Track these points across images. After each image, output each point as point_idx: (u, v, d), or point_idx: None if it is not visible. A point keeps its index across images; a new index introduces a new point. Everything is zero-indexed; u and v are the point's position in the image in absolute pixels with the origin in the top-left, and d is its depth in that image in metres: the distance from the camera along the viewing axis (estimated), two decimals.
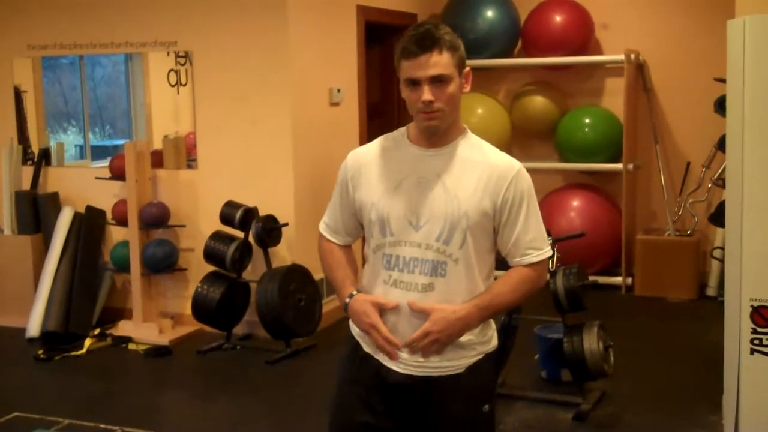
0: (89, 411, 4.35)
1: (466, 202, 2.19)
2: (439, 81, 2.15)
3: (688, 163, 6.44)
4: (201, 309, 5.29)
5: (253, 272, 5.42)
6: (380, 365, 2.27)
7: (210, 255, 5.33)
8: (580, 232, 4.61)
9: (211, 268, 5.37)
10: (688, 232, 6.31)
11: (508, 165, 2.23)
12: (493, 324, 2.33)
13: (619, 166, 6.33)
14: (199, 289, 5.29)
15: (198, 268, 5.52)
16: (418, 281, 2.20)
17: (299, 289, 5.19)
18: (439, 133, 2.22)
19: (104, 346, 5.40)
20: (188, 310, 5.45)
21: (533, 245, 2.24)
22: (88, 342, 5.34)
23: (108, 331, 5.54)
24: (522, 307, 4.36)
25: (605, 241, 6.29)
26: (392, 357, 2.22)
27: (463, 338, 2.22)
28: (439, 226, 2.19)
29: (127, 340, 5.44)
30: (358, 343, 2.33)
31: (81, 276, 5.66)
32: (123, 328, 5.56)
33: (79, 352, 5.26)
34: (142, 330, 5.50)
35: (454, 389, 2.24)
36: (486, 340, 2.29)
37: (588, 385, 4.26)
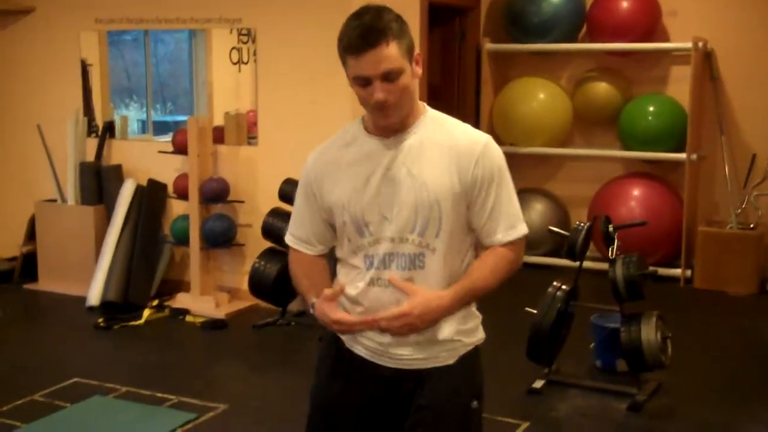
0: (146, 380, 4.44)
1: (435, 188, 2.08)
2: (390, 76, 2.01)
3: (754, 155, 6.30)
4: (257, 284, 5.34)
5: None
6: (365, 361, 2.20)
7: (268, 231, 5.37)
8: (641, 221, 4.55)
9: (268, 244, 5.42)
10: (751, 225, 6.18)
11: (473, 140, 2.12)
12: (476, 315, 2.24)
13: (683, 156, 6.22)
14: (256, 265, 5.34)
15: (255, 244, 5.57)
16: (397, 277, 2.11)
17: None
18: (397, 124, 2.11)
19: (162, 317, 5.49)
20: (245, 285, 5.51)
21: (508, 222, 2.13)
22: (146, 313, 5.44)
23: (166, 303, 5.63)
24: (579, 294, 4.34)
25: (665, 231, 6.20)
26: (374, 327, 2.08)
27: (446, 329, 2.14)
28: (412, 217, 2.09)
29: (185, 312, 5.52)
30: (339, 339, 2.24)
31: (141, 248, 5.75)
32: (180, 301, 5.65)
33: (138, 323, 5.36)
34: (199, 303, 5.58)
35: (443, 382, 2.16)
36: (470, 329, 2.20)
37: (644, 375, 4.21)
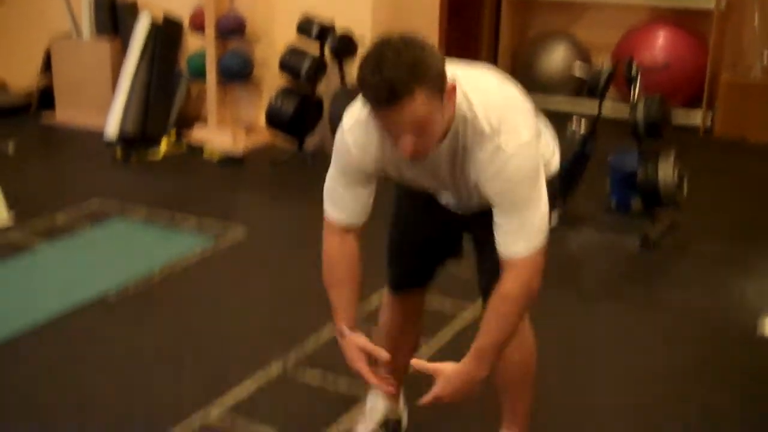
0: (165, 206, 4.50)
1: (472, 182, 1.99)
2: (419, 129, 1.79)
3: None
4: (274, 120, 5.33)
5: (327, 87, 5.41)
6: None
7: (285, 67, 5.31)
8: (664, 64, 4.46)
9: (284, 81, 5.37)
10: None
11: (495, 155, 1.88)
12: (551, 146, 2.21)
13: (711, 4, 6.04)
14: (273, 101, 5.31)
15: (272, 80, 5.52)
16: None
17: None
18: None
19: (179, 150, 5.51)
20: (262, 121, 5.51)
21: (516, 237, 1.92)
22: (164, 145, 5.46)
23: (183, 137, 5.64)
24: (597, 135, 4.32)
25: (687, 78, 6.09)
26: (387, 391, 2.16)
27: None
28: (463, 192, 2.07)
29: (202, 146, 5.53)
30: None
31: (158, 82, 5.71)
32: (198, 134, 5.65)
33: (155, 156, 5.39)
34: (216, 137, 5.58)
35: None
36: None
37: (658, 213, 4.24)
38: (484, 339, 1.98)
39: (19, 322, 3.30)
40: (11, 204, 4.32)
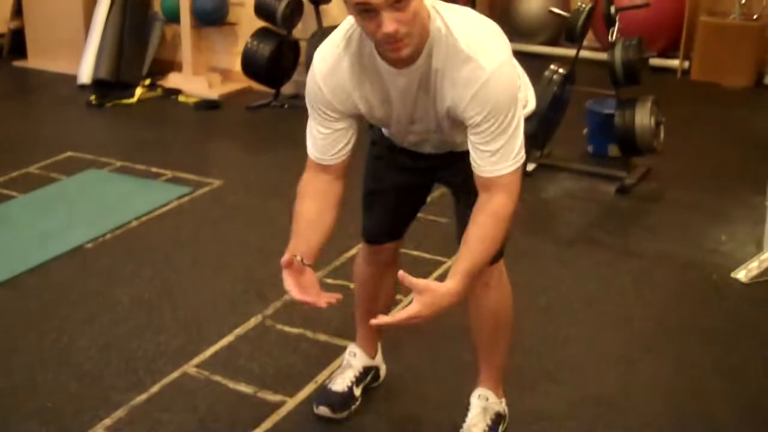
0: (141, 155, 4.47)
1: (442, 110, 1.97)
2: (398, 2, 1.75)
3: None
4: (250, 65, 5.27)
5: (303, 30, 5.34)
6: (402, 149, 2.25)
7: (260, 10, 5.23)
8: (644, 2, 4.42)
9: (261, 23, 5.30)
10: (754, 16, 6.05)
11: (475, 74, 1.87)
12: (526, 88, 2.19)
13: None
14: (249, 45, 5.24)
15: (248, 24, 5.45)
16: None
17: None
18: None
19: (154, 96, 5.45)
20: (237, 67, 5.44)
21: (499, 157, 1.91)
22: (138, 91, 5.39)
23: (158, 83, 5.58)
24: (575, 80, 4.31)
25: (666, 21, 6.06)
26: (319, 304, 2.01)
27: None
28: (432, 123, 2.04)
29: (177, 92, 5.48)
30: (382, 136, 2.28)
31: (131, 24, 5.62)
32: (173, 81, 5.59)
33: (130, 101, 5.34)
34: (191, 83, 5.53)
35: None
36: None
37: (634, 160, 4.26)
38: (472, 258, 1.94)
39: None
40: None
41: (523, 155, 1.96)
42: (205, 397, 2.61)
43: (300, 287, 1.99)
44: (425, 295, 1.88)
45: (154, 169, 4.28)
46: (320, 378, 2.68)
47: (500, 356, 2.44)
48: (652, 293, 3.26)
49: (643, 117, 4.06)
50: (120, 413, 2.53)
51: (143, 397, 2.60)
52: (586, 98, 4.58)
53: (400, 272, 1.89)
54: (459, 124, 1.98)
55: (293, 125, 5.04)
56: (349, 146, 2.10)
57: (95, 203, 3.95)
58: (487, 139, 1.91)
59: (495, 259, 2.24)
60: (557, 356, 2.84)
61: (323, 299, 2.00)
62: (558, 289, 3.27)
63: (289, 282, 1.99)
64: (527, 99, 2.20)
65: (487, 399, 2.41)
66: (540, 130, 4.24)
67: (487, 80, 1.86)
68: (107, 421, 2.49)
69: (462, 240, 1.98)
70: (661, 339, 2.95)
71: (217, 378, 2.69)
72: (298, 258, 2.02)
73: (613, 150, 4.40)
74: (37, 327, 2.98)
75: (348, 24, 1.98)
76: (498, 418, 2.42)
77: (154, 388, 2.64)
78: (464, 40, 1.88)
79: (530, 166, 4.29)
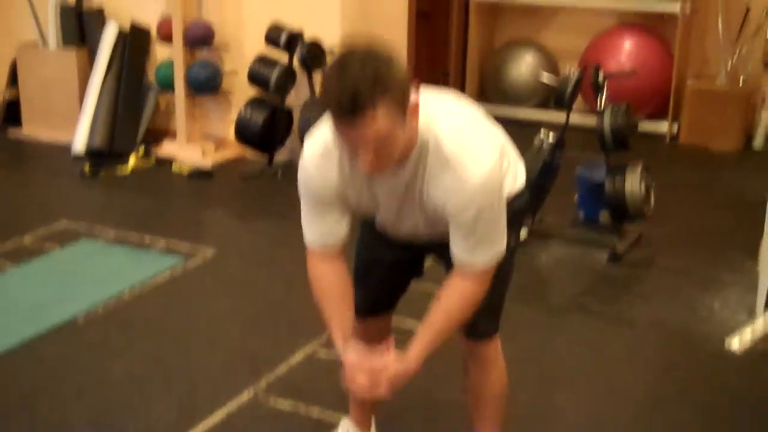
0: (134, 225, 4.48)
1: (430, 209, 2.00)
2: (379, 148, 1.80)
3: (748, 10, 6.19)
4: (244, 133, 5.31)
5: (296, 98, 5.41)
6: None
7: (254, 78, 5.30)
8: (631, 70, 4.49)
9: (254, 92, 5.36)
10: (740, 81, 6.14)
11: (460, 177, 1.90)
12: (515, 165, 2.19)
13: (676, 7, 6.10)
14: (242, 113, 5.29)
15: (241, 91, 5.51)
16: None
17: None
18: None
19: (148, 165, 5.48)
20: (231, 135, 5.49)
21: (480, 247, 1.98)
22: (132, 160, 5.42)
23: (152, 150, 5.61)
24: (565, 145, 4.35)
25: (654, 85, 6.15)
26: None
27: None
28: (420, 220, 2.08)
29: (171, 161, 5.51)
30: None
31: (126, 94, 5.68)
32: (167, 149, 5.63)
33: (124, 170, 5.36)
34: (185, 151, 5.56)
35: None
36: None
37: (625, 226, 4.29)
38: (434, 336, 2.04)
39: None
40: None
41: (502, 250, 2.01)
42: None
43: (371, 378, 2.04)
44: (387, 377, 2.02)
45: (147, 239, 4.29)
46: None
47: (497, 429, 2.44)
48: (645, 362, 3.26)
49: (633, 183, 4.10)
50: None
51: None
52: (576, 164, 4.62)
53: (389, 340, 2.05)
54: (446, 222, 2.00)
55: (287, 193, 5.07)
56: (345, 229, 2.13)
57: (88, 275, 3.95)
58: (466, 233, 1.97)
59: (490, 334, 2.26)
60: (550, 427, 2.82)
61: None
62: (550, 357, 3.26)
63: (359, 378, 2.05)
64: (516, 176, 2.22)
65: None
66: (531, 198, 4.27)
67: (472, 187, 1.90)
68: None
69: (430, 311, 2.05)
70: (654, 410, 2.94)
71: None
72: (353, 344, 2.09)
73: (605, 216, 4.42)
74: (28, 404, 2.96)
75: None
76: None
77: None
78: (452, 147, 1.91)
79: (522, 233, 4.31)
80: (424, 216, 2.05)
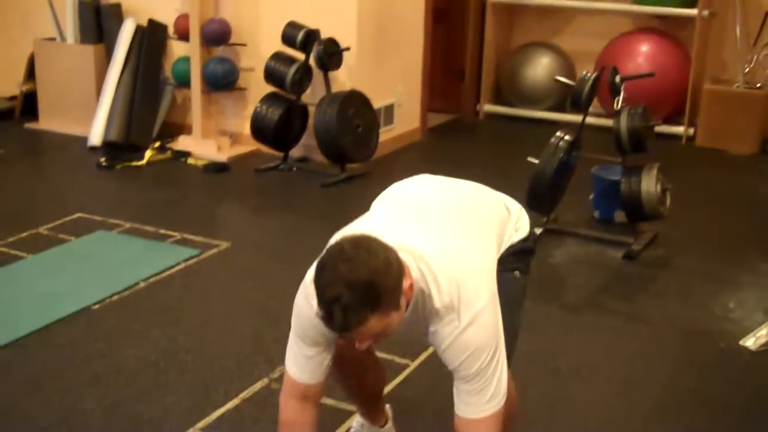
0: (150, 217, 4.49)
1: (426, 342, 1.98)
2: (373, 337, 1.82)
3: (766, 13, 6.17)
4: (259, 129, 5.33)
5: (312, 95, 5.41)
6: None
7: (270, 75, 5.31)
8: (649, 72, 4.49)
9: (270, 89, 5.37)
10: (758, 85, 6.12)
11: (451, 322, 1.88)
12: (521, 215, 2.23)
13: (694, 12, 6.09)
14: (258, 109, 5.31)
15: (257, 88, 5.52)
16: None
17: (357, 115, 5.19)
18: None
19: (164, 159, 5.50)
20: (247, 130, 5.51)
21: (474, 405, 1.93)
22: (148, 153, 5.44)
23: (168, 145, 5.63)
24: (582, 146, 4.35)
25: (671, 88, 6.14)
26: None
27: None
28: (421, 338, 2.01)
29: (186, 154, 5.53)
30: None
31: (142, 88, 5.71)
32: (182, 143, 5.65)
33: (140, 163, 5.38)
34: (201, 146, 5.58)
35: None
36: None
37: (641, 226, 4.27)
38: None
39: (3, 334, 3.29)
40: None
41: (499, 403, 1.93)
42: None
43: None
44: None
45: (162, 231, 4.30)
46: None
47: None
48: (660, 360, 3.24)
49: (649, 184, 4.08)
50: None
51: None
52: (592, 164, 4.61)
53: None
54: None
55: (300, 188, 5.09)
56: (328, 364, 2.07)
57: (103, 264, 3.96)
58: (464, 384, 1.91)
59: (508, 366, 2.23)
60: (566, 424, 2.81)
61: None
62: (566, 355, 3.25)
63: None
64: (519, 227, 2.22)
65: None
66: (547, 196, 4.27)
67: (462, 332, 1.86)
68: None
69: None
70: (671, 407, 2.93)
71: None
72: None
73: (620, 216, 4.42)
74: (43, 389, 2.96)
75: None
76: None
77: None
78: (444, 295, 1.86)
79: (537, 231, 4.30)
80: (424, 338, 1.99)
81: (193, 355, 3.20)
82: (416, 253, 1.87)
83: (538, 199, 4.26)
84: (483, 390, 1.90)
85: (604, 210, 4.56)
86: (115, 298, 3.61)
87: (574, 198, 4.54)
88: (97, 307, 3.53)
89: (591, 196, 4.63)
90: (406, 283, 1.79)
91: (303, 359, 2.04)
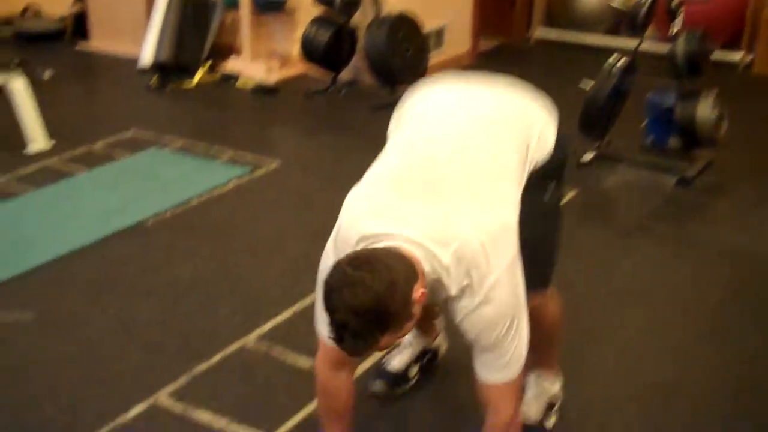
0: (201, 136, 4.53)
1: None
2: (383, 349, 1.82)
3: None
4: (309, 51, 5.29)
5: (362, 17, 5.35)
6: None
7: None
8: None
9: (319, 11, 5.32)
10: None
11: (466, 297, 1.81)
12: (548, 138, 2.09)
13: None
14: (308, 31, 5.27)
15: (306, 11, 5.47)
16: None
17: (407, 38, 5.14)
18: None
19: (213, 80, 5.51)
20: (295, 53, 5.48)
21: (491, 365, 1.90)
22: (198, 75, 5.45)
23: (217, 67, 5.63)
24: (637, 70, 4.26)
25: (729, 14, 5.97)
26: None
27: None
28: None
29: (235, 77, 5.53)
30: None
31: (192, 9, 5.67)
32: (232, 65, 5.64)
33: (190, 84, 5.40)
34: (250, 68, 5.57)
35: None
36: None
37: (694, 152, 4.20)
38: None
39: (61, 245, 3.36)
40: (50, 132, 4.37)
41: (515, 370, 1.91)
42: (263, 370, 2.64)
43: None
44: None
45: (214, 150, 4.34)
46: (376, 357, 2.70)
47: (555, 349, 2.44)
48: (711, 285, 3.22)
49: (704, 109, 4.00)
50: (181, 381, 2.57)
51: (203, 367, 2.64)
52: (647, 90, 4.53)
53: None
54: None
55: (349, 111, 5.08)
56: None
57: (157, 181, 4.01)
58: (482, 353, 1.89)
59: (544, 286, 2.24)
60: (615, 344, 2.82)
61: None
62: (616, 278, 3.24)
63: None
64: (545, 145, 2.09)
65: (542, 380, 2.43)
66: (600, 121, 4.22)
67: (476, 308, 1.81)
68: (169, 388, 2.54)
69: None
70: (720, 331, 2.92)
71: (276, 352, 2.73)
72: None
73: (673, 142, 4.34)
74: (100, 299, 3.04)
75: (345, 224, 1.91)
76: (552, 398, 2.44)
77: (215, 360, 2.68)
78: (457, 280, 1.79)
79: (588, 156, 4.27)
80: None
81: (245, 270, 3.25)
82: (425, 243, 1.77)
83: (591, 123, 4.21)
84: (500, 358, 1.88)
85: (658, 136, 4.48)
86: (168, 214, 3.66)
87: (628, 124, 4.47)
88: (151, 222, 3.59)
89: (644, 122, 4.54)
90: (417, 293, 1.71)
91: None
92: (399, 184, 1.90)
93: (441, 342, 2.67)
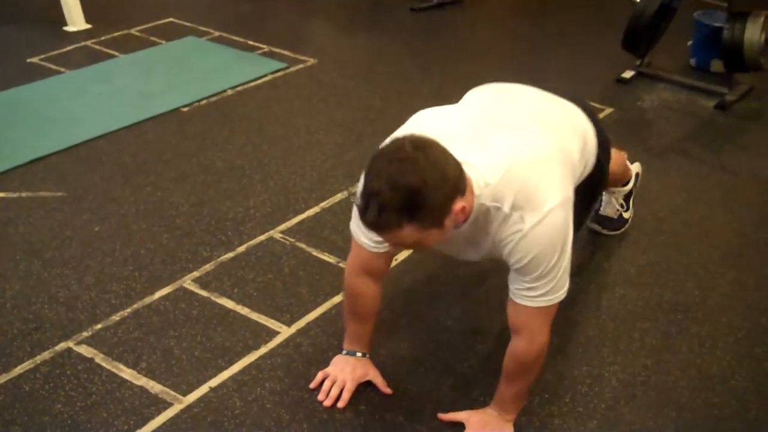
0: (239, 28, 4.51)
1: (487, 254, 1.94)
2: (405, 246, 1.81)
3: None
4: None
5: None
6: None
7: None
8: None
9: None
10: None
11: (515, 224, 1.80)
12: (590, 156, 2.19)
13: None
14: None
15: None
16: None
17: None
18: None
19: None
20: None
21: (534, 289, 1.88)
22: None
23: None
24: None
25: None
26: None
27: None
28: (480, 257, 2.00)
29: None
30: None
31: None
32: None
33: None
34: None
35: None
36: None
37: (737, 77, 4.12)
38: (504, 389, 2.06)
39: (98, 126, 3.41)
40: (88, 14, 4.36)
41: (555, 299, 1.90)
42: (288, 261, 2.69)
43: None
44: (470, 423, 2.08)
45: (251, 42, 4.32)
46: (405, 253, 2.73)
47: (625, 174, 2.93)
48: (741, 209, 3.20)
49: (753, 33, 3.91)
50: (207, 267, 2.63)
51: (230, 255, 2.70)
52: (695, 9, 4.42)
53: (440, 414, 2.11)
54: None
55: (390, 12, 5.00)
56: None
57: (193, 69, 4.01)
58: (522, 276, 1.88)
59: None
60: (638, 261, 2.83)
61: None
62: (645, 196, 3.23)
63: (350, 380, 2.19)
64: (586, 164, 2.18)
65: (612, 192, 2.88)
66: (644, 37, 4.13)
67: (525, 235, 1.80)
68: (195, 273, 2.60)
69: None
70: (745, 254, 2.92)
71: (302, 245, 2.77)
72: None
73: (716, 65, 4.26)
74: (133, 180, 3.09)
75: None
76: (626, 194, 2.92)
77: (241, 248, 2.73)
78: (510, 200, 1.79)
79: (628, 74, 4.20)
80: (483, 257, 1.97)
81: (276, 163, 3.28)
82: (483, 167, 1.79)
83: (635, 40, 4.12)
84: (547, 283, 1.87)
85: (702, 57, 4.40)
86: (203, 102, 3.68)
87: (672, 44, 4.38)
88: (186, 109, 3.61)
89: (690, 43, 4.46)
90: (458, 205, 1.68)
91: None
92: (470, 121, 1.97)
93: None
